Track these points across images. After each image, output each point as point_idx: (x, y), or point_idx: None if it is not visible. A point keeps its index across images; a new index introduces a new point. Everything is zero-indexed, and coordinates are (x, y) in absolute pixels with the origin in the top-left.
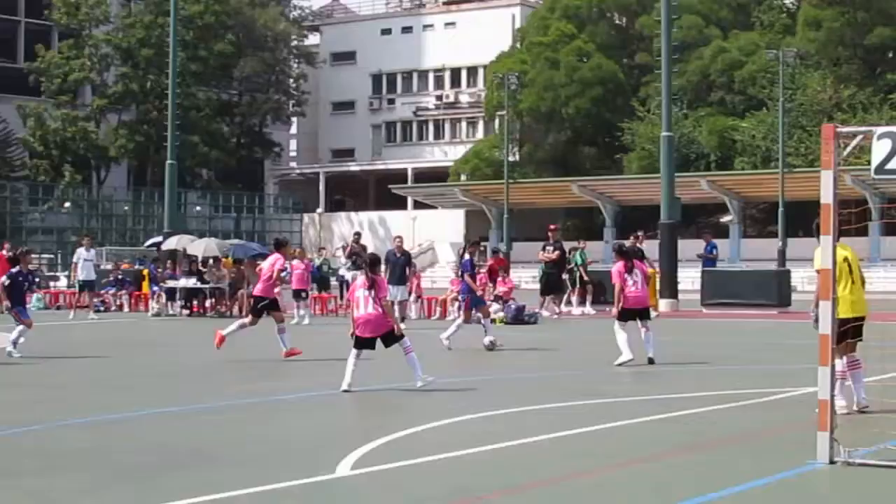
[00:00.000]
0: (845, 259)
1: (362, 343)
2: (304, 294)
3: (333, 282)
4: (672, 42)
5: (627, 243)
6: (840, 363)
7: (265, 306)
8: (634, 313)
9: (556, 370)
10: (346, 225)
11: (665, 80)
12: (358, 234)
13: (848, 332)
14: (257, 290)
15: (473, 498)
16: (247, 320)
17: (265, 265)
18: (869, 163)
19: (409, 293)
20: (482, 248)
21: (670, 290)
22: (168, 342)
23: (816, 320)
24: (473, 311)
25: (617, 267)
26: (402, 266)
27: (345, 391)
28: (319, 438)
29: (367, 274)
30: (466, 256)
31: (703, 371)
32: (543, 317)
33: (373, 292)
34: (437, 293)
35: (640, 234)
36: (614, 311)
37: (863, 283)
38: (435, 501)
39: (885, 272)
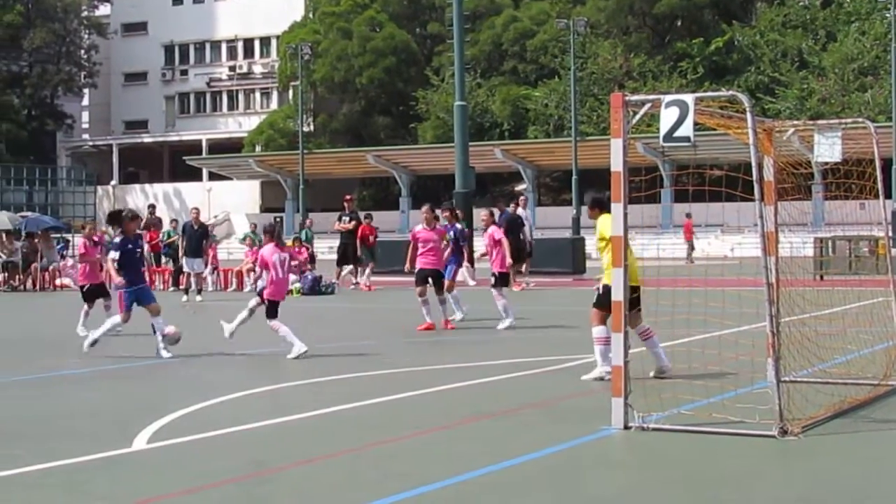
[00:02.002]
0: None
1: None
2: None
3: None
4: (463, 11)
5: (510, 209)
6: (604, 329)
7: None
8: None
9: (350, 340)
10: (141, 197)
11: (457, 49)
12: (153, 207)
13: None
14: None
15: (268, 470)
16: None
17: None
18: (659, 131)
19: (206, 265)
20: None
21: (467, 258)
22: None
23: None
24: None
25: (496, 233)
26: (198, 238)
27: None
28: (118, 412)
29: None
30: (458, 225)
31: (498, 339)
32: (340, 287)
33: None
34: (233, 264)
35: (522, 198)
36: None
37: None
38: (229, 474)
39: (676, 238)
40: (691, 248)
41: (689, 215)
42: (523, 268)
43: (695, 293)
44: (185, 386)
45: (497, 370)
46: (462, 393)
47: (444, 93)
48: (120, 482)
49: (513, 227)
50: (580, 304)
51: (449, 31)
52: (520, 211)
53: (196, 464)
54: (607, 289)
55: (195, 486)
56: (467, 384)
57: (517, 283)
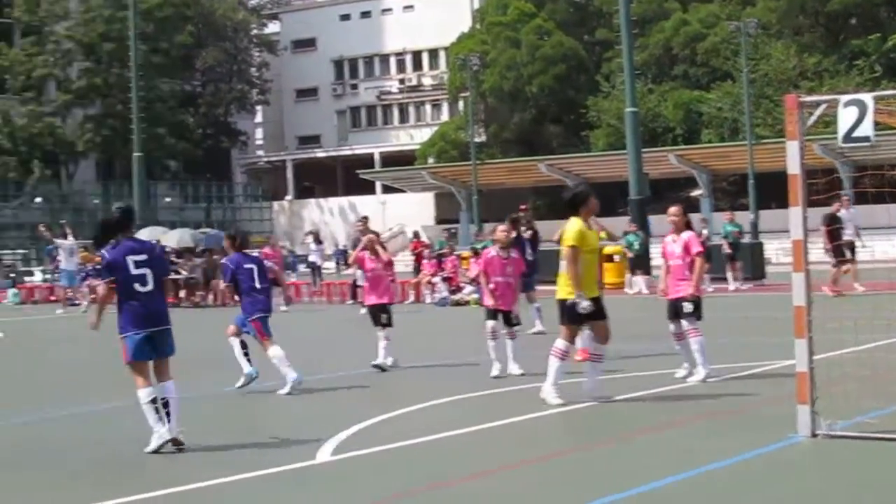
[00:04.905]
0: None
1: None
2: (275, 282)
3: (303, 268)
4: (632, 16)
5: (833, 208)
6: (564, 343)
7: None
8: None
9: (533, 349)
10: (316, 212)
11: (627, 55)
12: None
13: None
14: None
15: (452, 481)
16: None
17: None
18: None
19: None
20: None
21: (644, 266)
22: None
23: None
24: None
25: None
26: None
27: (496, 377)
28: (298, 425)
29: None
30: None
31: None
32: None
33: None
34: (408, 276)
35: (845, 198)
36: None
37: None
38: (414, 486)
39: (857, 241)
40: None
41: None
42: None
43: (879, 298)
44: (367, 398)
45: (682, 378)
46: (645, 402)
47: (614, 99)
48: (304, 495)
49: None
50: (762, 310)
51: (617, 37)
52: (842, 212)
53: (380, 476)
54: (564, 303)
55: (377, 499)
56: (650, 392)
57: (835, 289)
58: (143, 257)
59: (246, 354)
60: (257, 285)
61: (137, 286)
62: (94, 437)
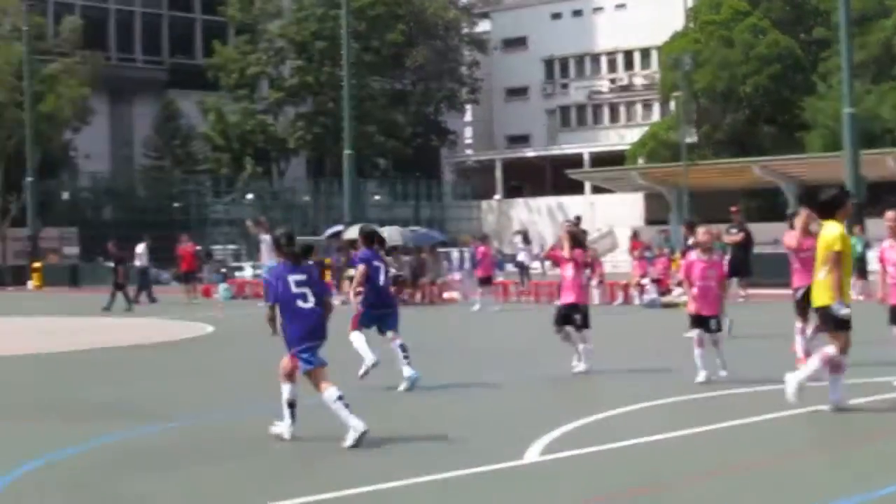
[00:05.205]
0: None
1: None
2: (489, 280)
3: (510, 267)
4: (851, 14)
5: None
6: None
7: None
8: None
9: (743, 356)
10: (524, 211)
11: (845, 54)
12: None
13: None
14: None
15: (665, 483)
16: None
17: None
18: None
19: (591, 278)
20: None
21: (860, 272)
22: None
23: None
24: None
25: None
26: None
27: (701, 383)
28: (504, 425)
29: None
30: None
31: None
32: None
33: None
34: (618, 278)
35: None
36: None
37: None
38: (624, 488)
39: None
40: None
41: None
42: None
43: None
44: (575, 398)
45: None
46: (868, 410)
47: (831, 100)
48: (513, 494)
49: None
50: None
51: (835, 35)
52: None
53: (589, 477)
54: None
55: (591, 500)
56: (871, 399)
57: None
58: (302, 277)
59: (406, 357)
60: (380, 283)
61: (300, 303)
62: (294, 431)
